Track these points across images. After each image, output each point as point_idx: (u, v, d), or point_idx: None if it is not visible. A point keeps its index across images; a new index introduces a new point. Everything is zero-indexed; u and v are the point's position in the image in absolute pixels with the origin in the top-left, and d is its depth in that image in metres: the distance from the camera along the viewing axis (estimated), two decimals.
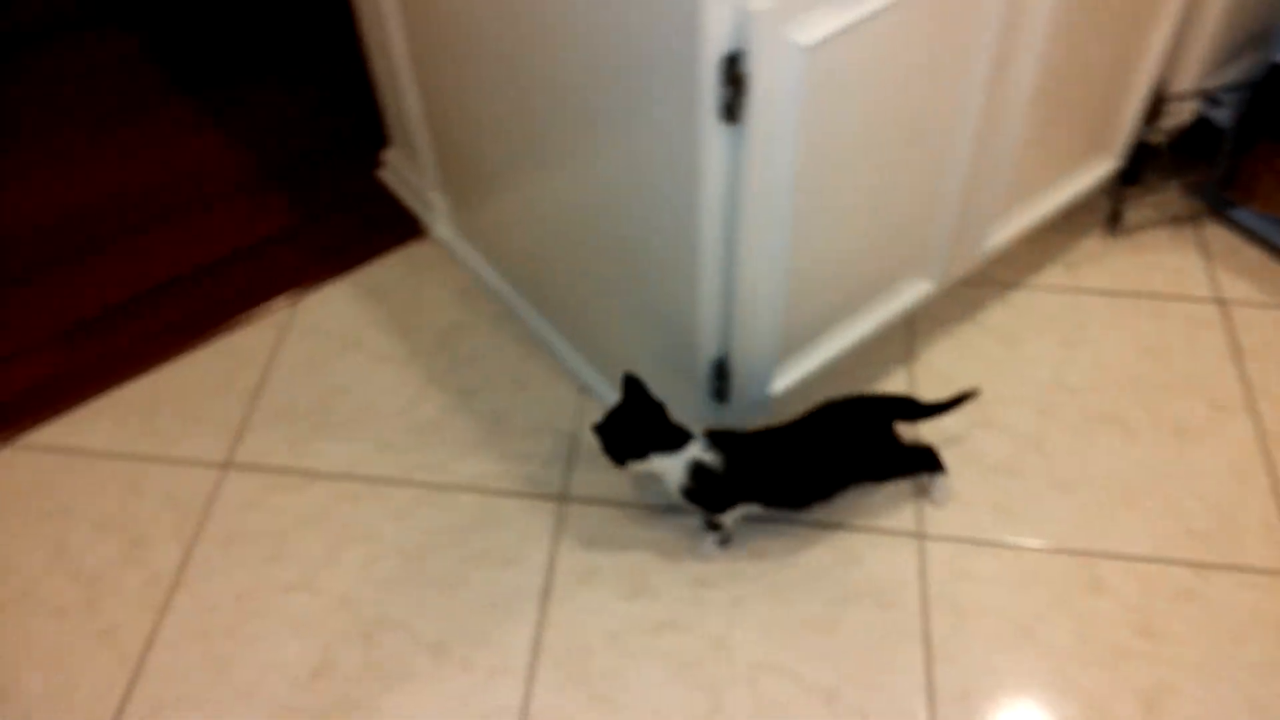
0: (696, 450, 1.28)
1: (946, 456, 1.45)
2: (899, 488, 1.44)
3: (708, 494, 1.30)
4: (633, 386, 1.29)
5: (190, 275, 1.72)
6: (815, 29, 1.01)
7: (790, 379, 1.39)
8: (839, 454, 1.34)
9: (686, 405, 1.37)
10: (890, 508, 1.43)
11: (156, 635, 1.34)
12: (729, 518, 1.36)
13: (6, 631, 1.34)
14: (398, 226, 1.78)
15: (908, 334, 1.61)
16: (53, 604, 1.37)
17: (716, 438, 1.30)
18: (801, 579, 1.37)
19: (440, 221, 1.75)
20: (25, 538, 1.43)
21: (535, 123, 1.30)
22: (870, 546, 1.39)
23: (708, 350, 1.29)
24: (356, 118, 1.94)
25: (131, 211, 1.81)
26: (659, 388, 1.41)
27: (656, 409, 1.28)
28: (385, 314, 1.67)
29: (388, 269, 1.73)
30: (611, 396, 1.51)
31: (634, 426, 1.27)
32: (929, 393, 1.54)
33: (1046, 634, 1.31)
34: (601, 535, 1.41)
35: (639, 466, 1.29)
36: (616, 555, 1.40)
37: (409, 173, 1.76)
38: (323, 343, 1.64)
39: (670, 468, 1.28)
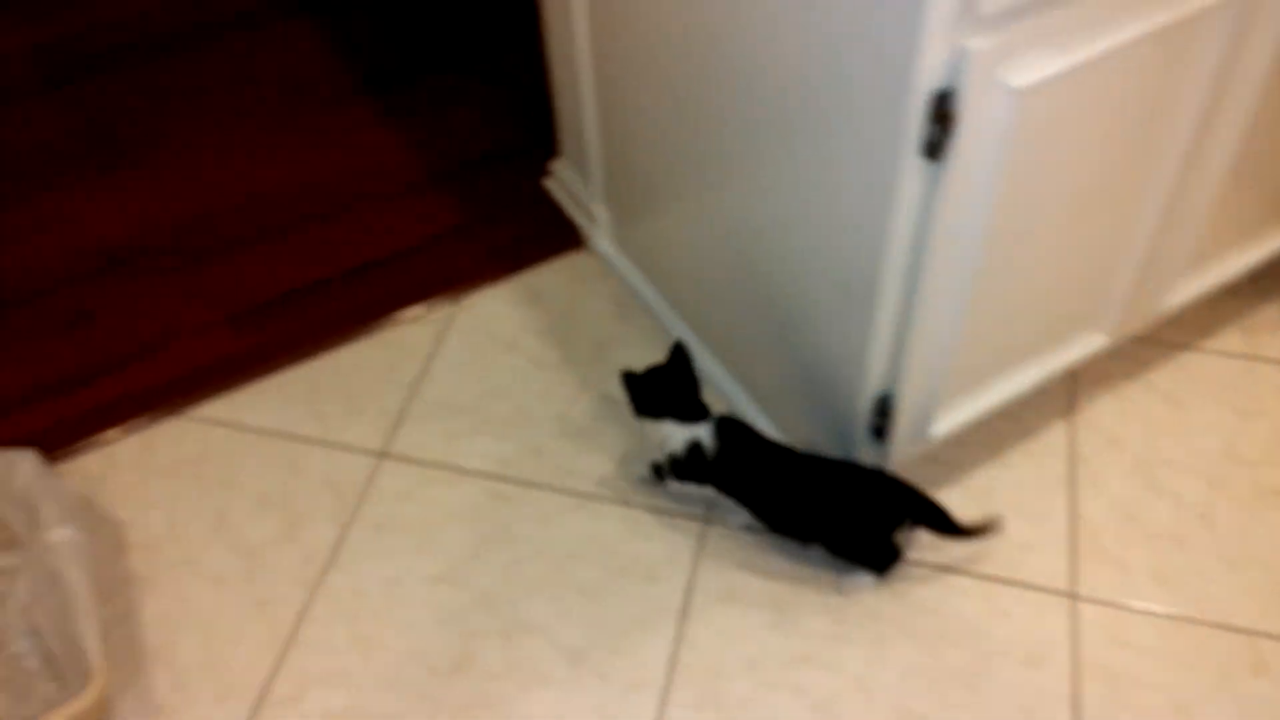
0: (702, 430, 1.33)
1: (1112, 521, 1.41)
2: (1054, 543, 1.40)
3: (687, 469, 1.36)
4: (679, 354, 1.37)
5: (360, 267, 1.78)
6: (1029, 72, 1.00)
7: (952, 422, 1.36)
8: (827, 508, 1.32)
9: (843, 440, 1.36)
10: (1042, 563, 1.39)
11: (308, 611, 1.38)
12: (682, 487, 1.40)
13: (168, 596, 1.41)
14: (560, 236, 1.81)
15: (1070, 386, 1.57)
16: (213, 572, 1.43)
17: (724, 425, 1.35)
18: (946, 628, 1.34)
19: (601, 234, 1.77)
20: (190, 506, 1.50)
21: (717, 143, 1.31)
22: (1020, 602, 1.36)
23: (872, 386, 1.28)
24: (529, 124, 1.98)
25: (309, 202, 1.89)
26: (816, 420, 1.41)
27: (692, 382, 1.36)
28: (544, 320, 1.70)
29: (549, 276, 1.76)
30: (759, 420, 1.51)
31: (664, 389, 1.35)
32: (1089, 450, 1.50)
33: (1206, 714, 1.26)
34: (742, 560, 1.41)
35: (650, 425, 1.36)
36: (756, 582, 1.39)
37: (575, 184, 1.79)
38: (482, 343, 1.67)
39: (674, 436, 1.35)
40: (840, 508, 1.31)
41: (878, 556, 1.34)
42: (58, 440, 1.56)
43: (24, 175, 1.95)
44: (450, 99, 2.07)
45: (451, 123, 2.03)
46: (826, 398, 1.35)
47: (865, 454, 1.36)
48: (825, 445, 1.39)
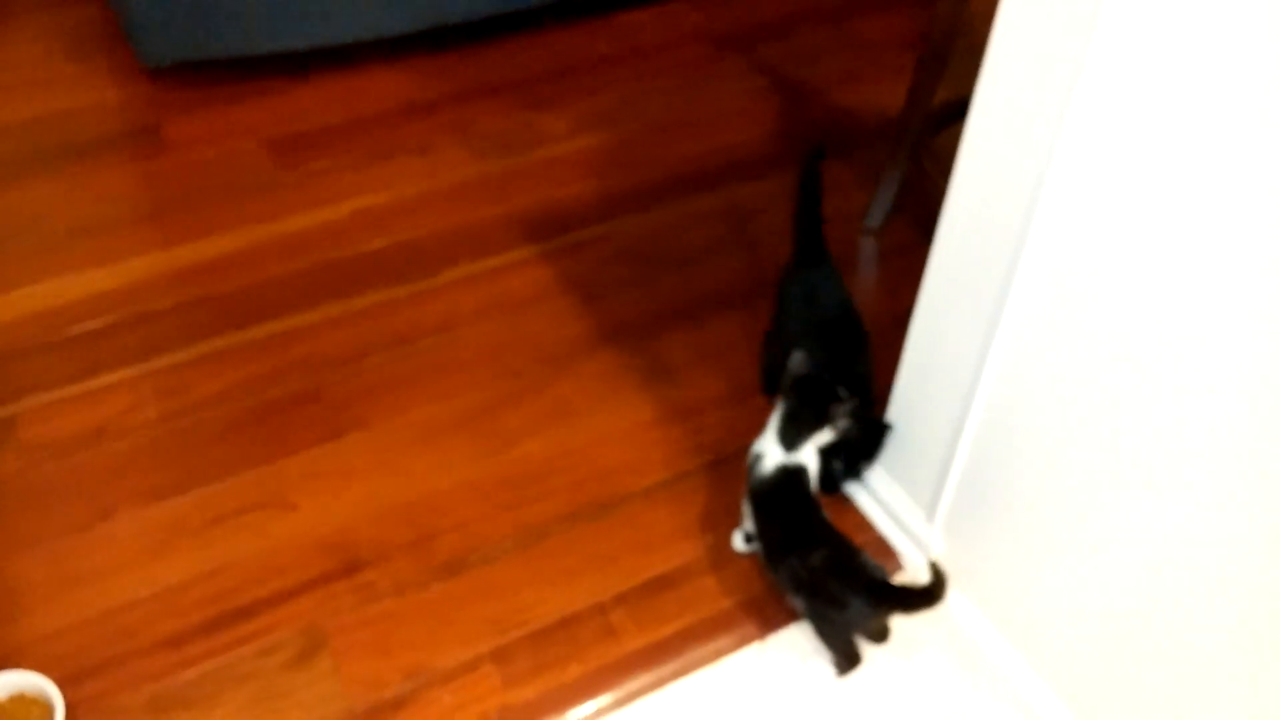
0: (783, 457, 1.41)
1: None
2: None
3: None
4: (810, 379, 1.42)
5: (639, 588, 1.49)
6: None
7: None
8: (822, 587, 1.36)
9: None
10: None
11: None
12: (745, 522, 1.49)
13: None
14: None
15: None
16: None
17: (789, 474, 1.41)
18: None
19: None
20: None
21: None
22: None
23: None
24: None
25: (575, 491, 1.61)
26: None
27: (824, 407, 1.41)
28: (877, 681, 1.41)
29: None
30: None
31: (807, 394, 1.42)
32: None
33: None
34: None
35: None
36: None
37: (902, 507, 1.52)
38: (804, 704, 1.38)
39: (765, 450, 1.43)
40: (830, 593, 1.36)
41: (840, 654, 1.40)
42: None
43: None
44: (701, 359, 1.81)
45: (715, 387, 1.76)
46: None
47: None
48: None
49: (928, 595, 1.33)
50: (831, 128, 2.29)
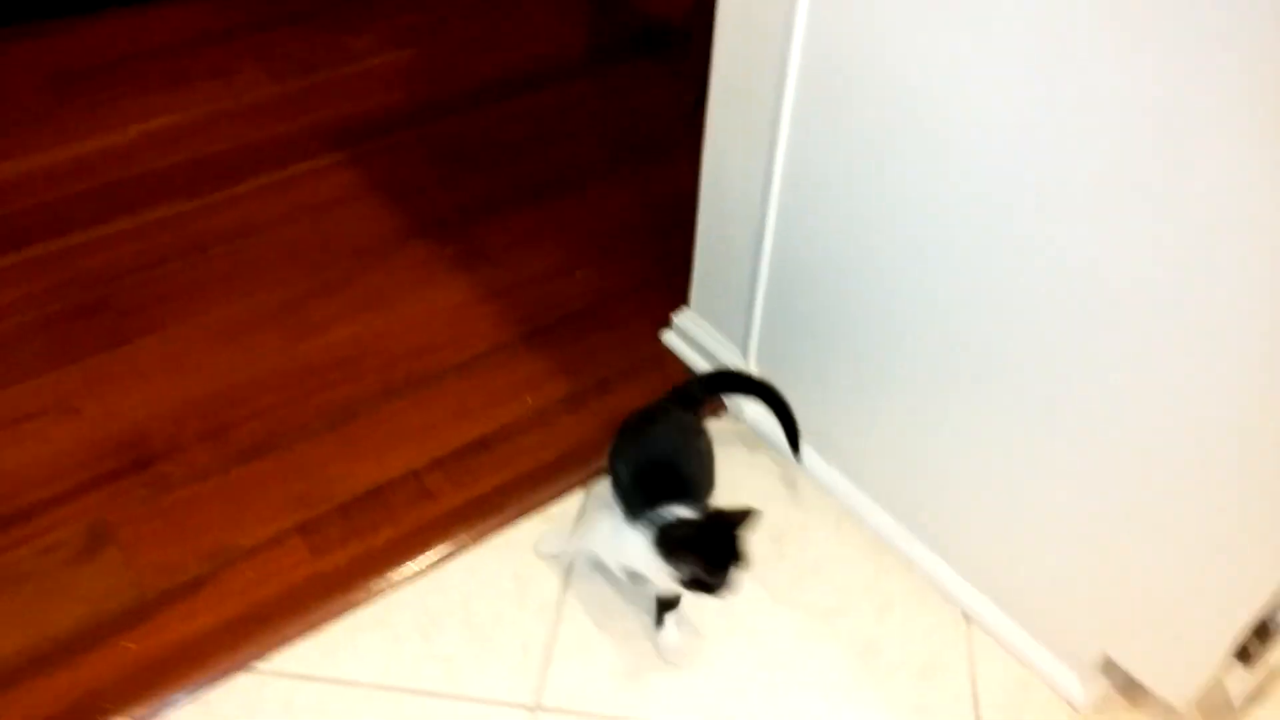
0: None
1: None
2: None
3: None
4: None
5: (458, 452, 1.43)
6: None
7: None
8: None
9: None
10: None
11: None
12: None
13: None
14: None
15: None
16: None
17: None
18: None
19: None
20: None
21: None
22: None
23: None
24: (629, 261, 1.68)
25: (377, 374, 1.53)
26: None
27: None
28: None
29: None
30: (1006, 626, 1.21)
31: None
32: None
33: None
34: None
35: None
36: None
37: (715, 343, 1.49)
38: None
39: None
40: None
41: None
42: (87, 713, 1.15)
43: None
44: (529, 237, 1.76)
45: (533, 265, 1.71)
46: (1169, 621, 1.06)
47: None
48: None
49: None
50: (641, 33, 2.27)
